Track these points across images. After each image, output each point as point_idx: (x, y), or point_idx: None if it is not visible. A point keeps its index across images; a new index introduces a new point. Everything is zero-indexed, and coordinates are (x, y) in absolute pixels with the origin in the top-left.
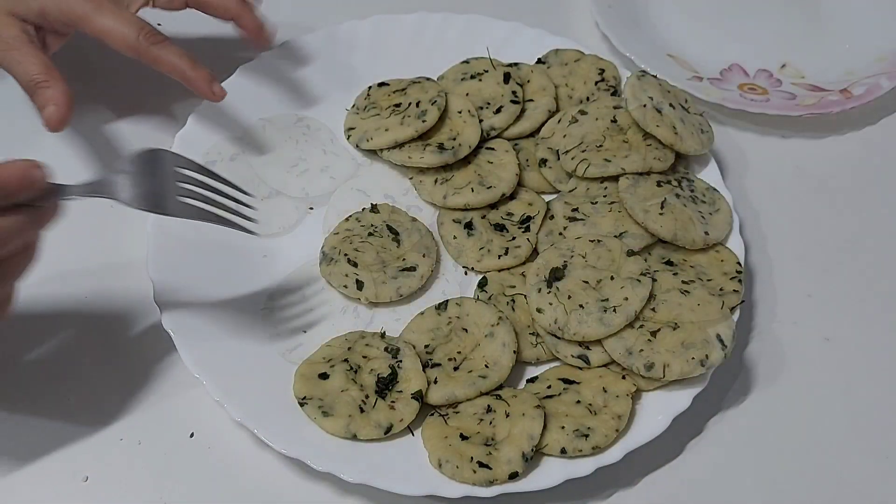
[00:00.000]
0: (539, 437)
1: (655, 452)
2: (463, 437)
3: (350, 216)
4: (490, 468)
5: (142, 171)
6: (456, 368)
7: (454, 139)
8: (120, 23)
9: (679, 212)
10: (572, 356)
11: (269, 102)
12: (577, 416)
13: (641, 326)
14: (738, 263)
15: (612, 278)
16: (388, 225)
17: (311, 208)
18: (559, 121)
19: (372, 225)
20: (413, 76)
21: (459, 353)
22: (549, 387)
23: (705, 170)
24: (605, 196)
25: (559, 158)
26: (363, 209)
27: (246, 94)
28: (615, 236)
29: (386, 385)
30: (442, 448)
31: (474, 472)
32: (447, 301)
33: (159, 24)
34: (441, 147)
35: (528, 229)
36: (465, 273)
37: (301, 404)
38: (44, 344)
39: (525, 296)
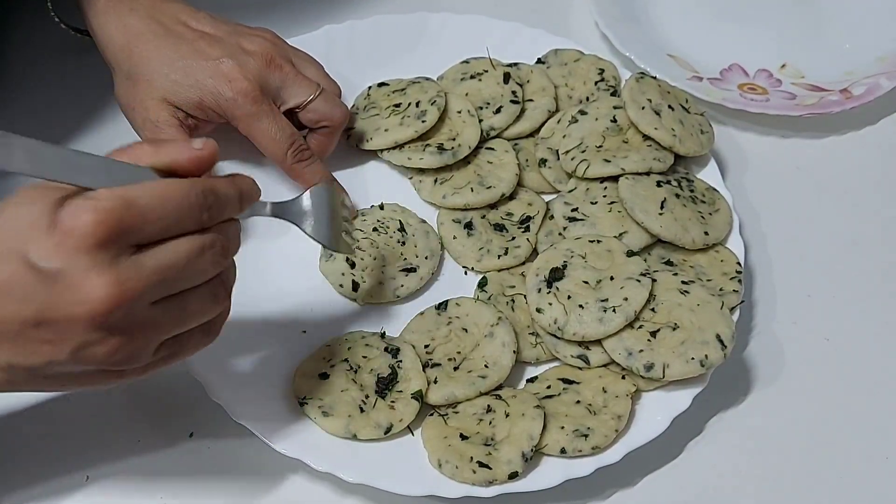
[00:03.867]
0: (539, 437)
1: (655, 452)
2: (463, 437)
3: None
4: (490, 468)
5: (319, 204)
6: (456, 368)
7: (454, 139)
8: (273, 133)
9: (679, 212)
10: (572, 356)
11: None
12: (576, 417)
13: (641, 327)
14: (738, 263)
15: (611, 278)
16: (399, 220)
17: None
18: (559, 121)
19: (378, 220)
20: (413, 76)
21: (459, 353)
22: (548, 387)
23: (705, 170)
24: (605, 196)
25: (559, 158)
26: (371, 206)
27: None
28: (615, 236)
29: (386, 385)
30: (442, 448)
31: (474, 472)
32: (447, 301)
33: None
34: (441, 148)
35: (527, 229)
36: (465, 273)
37: (301, 404)
38: None
39: (525, 296)
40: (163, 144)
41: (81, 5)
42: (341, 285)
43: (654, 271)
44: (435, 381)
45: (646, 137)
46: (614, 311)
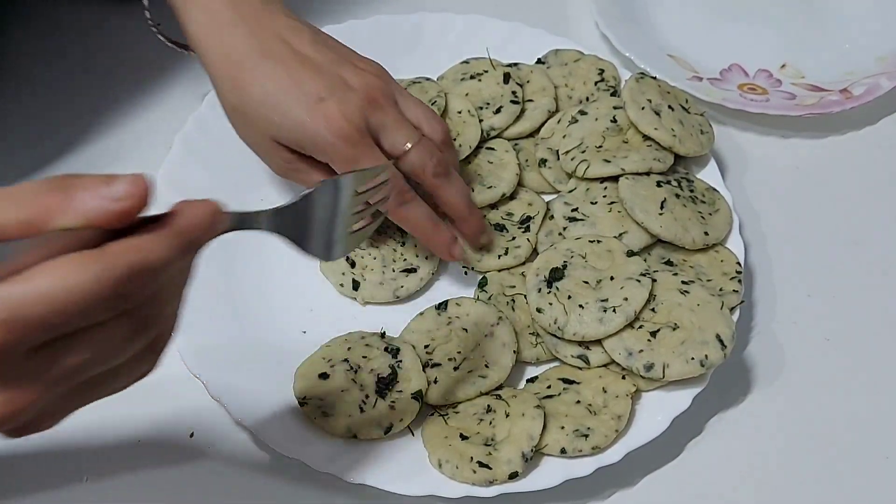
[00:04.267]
0: (539, 437)
1: (655, 452)
2: (463, 437)
3: None
4: (490, 468)
5: (312, 212)
6: (456, 368)
7: (454, 139)
8: None
9: (679, 212)
10: (572, 356)
11: None
12: (576, 416)
13: (641, 327)
14: (738, 263)
15: (611, 278)
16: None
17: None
18: (559, 121)
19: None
20: (413, 76)
21: (459, 353)
22: (548, 387)
23: (705, 170)
24: (605, 196)
25: (559, 158)
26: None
27: None
28: (615, 236)
29: (386, 385)
30: (442, 448)
31: (474, 472)
32: (447, 301)
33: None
34: None
35: (528, 229)
36: (465, 273)
37: (301, 404)
38: None
39: (525, 296)
40: (72, 196)
41: (181, 20)
42: (342, 284)
43: (654, 271)
44: (435, 381)
45: (646, 137)
46: (614, 311)
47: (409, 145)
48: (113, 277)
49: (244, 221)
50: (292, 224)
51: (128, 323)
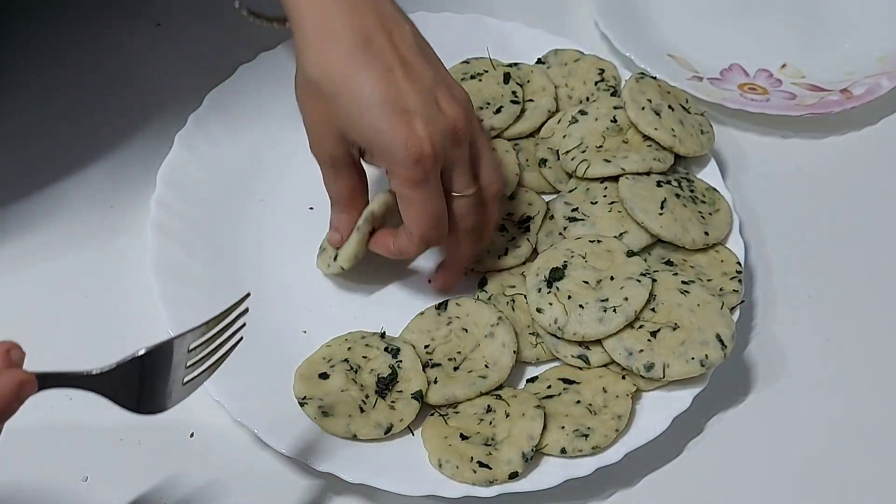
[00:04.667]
0: (539, 437)
1: (655, 452)
2: (463, 437)
3: None
4: (490, 468)
5: (140, 367)
6: (456, 368)
7: None
8: (429, 209)
9: (679, 212)
10: (572, 356)
11: (270, 102)
12: (577, 416)
13: (641, 327)
14: (738, 263)
15: (612, 278)
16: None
17: (312, 208)
18: (559, 121)
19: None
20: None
21: (459, 353)
22: (549, 387)
23: (705, 170)
24: (605, 196)
25: (559, 158)
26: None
27: (246, 94)
28: (615, 236)
29: (386, 385)
30: (442, 448)
31: (474, 472)
32: (447, 301)
33: (158, 25)
34: None
35: (528, 229)
36: (465, 273)
37: (301, 404)
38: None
39: (525, 296)
40: None
41: None
42: (329, 265)
43: (655, 271)
44: (435, 381)
45: (646, 137)
46: (614, 310)
47: (462, 192)
48: None
49: (61, 380)
50: (119, 384)
51: None
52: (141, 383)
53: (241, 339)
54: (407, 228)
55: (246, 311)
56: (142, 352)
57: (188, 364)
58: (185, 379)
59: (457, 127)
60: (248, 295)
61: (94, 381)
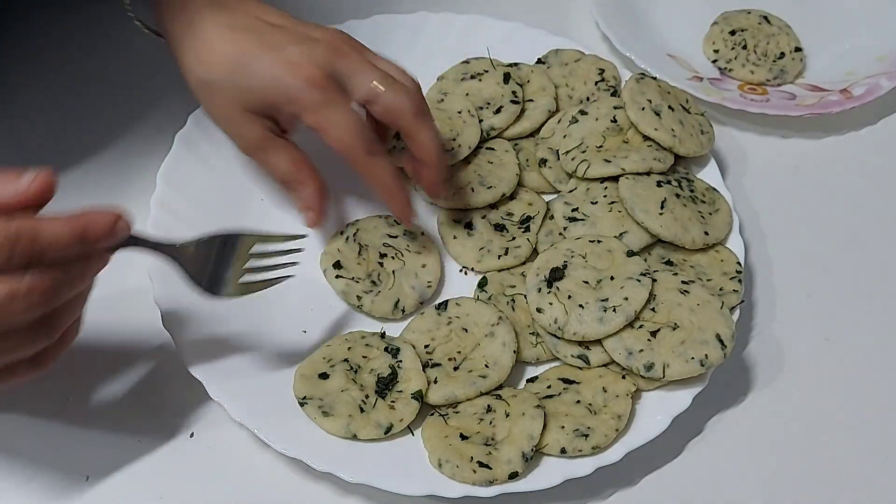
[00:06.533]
0: (539, 436)
1: (655, 452)
2: (463, 437)
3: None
4: (490, 468)
5: (210, 250)
6: (456, 368)
7: (454, 139)
8: (345, 123)
9: (679, 212)
10: (572, 356)
11: None
12: (576, 416)
13: (641, 326)
14: (738, 263)
15: (612, 278)
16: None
17: (242, 237)
18: (559, 121)
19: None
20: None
21: (459, 352)
22: (549, 387)
23: (705, 170)
24: (605, 196)
25: (559, 158)
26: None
27: None
28: (615, 236)
29: (386, 385)
30: (442, 448)
31: (474, 471)
32: (447, 301)
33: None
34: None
35: (528, 229)
36: (465, 273)
37: (301, 404)
38: None
39: (525, 296)
40: None
41: (154, 4)
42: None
43: (654, 271)
44: (435, 381)
45: (646, 137)
46: (614, 310)
47: (381, 87)
48: (6, 230)
49: (147, 243)
50: (193, 259)
51: (25, 297)
52: (208, 265)
53: (292, 276)
54: (343, 149)
55: (301, 250)
56: (215, 234)
57: (245, 267)
58: (240, 280)
59: (335, 44)
60: (305, 236)
61: (174, 250)
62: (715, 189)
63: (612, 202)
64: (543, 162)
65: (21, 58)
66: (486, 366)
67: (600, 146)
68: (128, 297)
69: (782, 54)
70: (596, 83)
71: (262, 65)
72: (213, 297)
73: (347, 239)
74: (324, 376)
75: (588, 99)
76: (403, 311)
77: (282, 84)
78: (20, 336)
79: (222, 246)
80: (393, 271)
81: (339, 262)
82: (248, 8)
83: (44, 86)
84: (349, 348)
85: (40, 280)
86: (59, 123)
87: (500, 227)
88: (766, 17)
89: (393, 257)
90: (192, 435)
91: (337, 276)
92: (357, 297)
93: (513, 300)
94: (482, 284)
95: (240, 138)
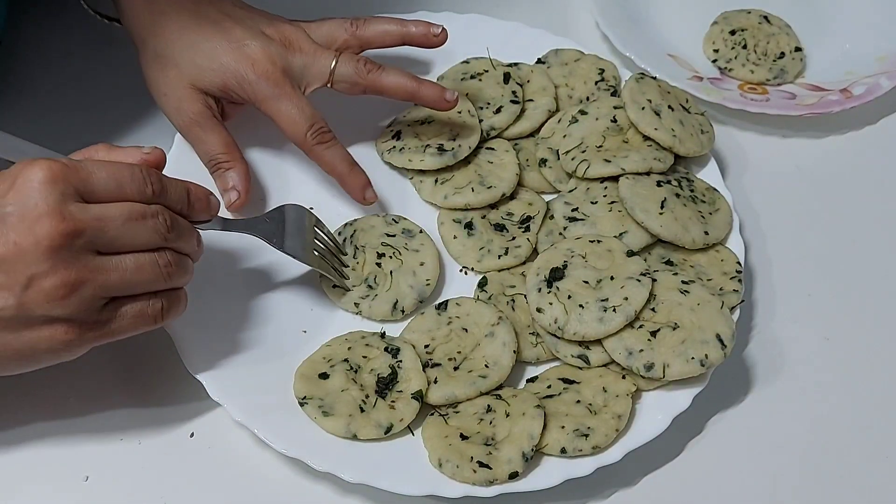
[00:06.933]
0: (539, 436)
1: (655, 452)
2: (463, 437)
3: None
4: (490, 468)
5: (285, 221)
6: (456, 368)
7: (454, 140)
8: (294, 115)
9: (679, 212)
10: (572, 356)
11: None
12: (577, 416)
13: (641, 326)
14: (738, 263)
15: (612, 278)
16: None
17: (311, 208)
18: (559, 121)
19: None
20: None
21: (459, 352)
22: (549, 387)
23: (705, 170)
24: (605, 196)
25: (559, 158)
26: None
27: None
28: (615, 236)
29: (386, 385)
30: (442, 448)
31: (474, 471)
32: (447, 301)
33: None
34: (441, 149)
35: (528, 229)
36: (465, 273)
37: (301, 404)
38: None
39: (525, 295)
40: (116, 148)
41: None
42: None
43: (655, 271)
44: (435, 381)
45: (646, 137)
46: (614, 310)
47: (332, 64)
48: (139, 168)
49: (223, 221)
50: (266, 227)
51: (153, 219)
52: (285, 232)
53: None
54: (296, 139)
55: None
56: (282, 206)
57: (316, 239)
58: (315, 251)
59: (287, 38)
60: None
61: (250, 227)
62: (715, 189)
63: (612, 202)
64: (543, 162)
65: (22, 58)
66: (486, 366)
67: (600, 146)
68: None
69: (782, 54)
70: (596, 83)
71: (221, 53)
72: (298, 259)
73: (345, 241)
74: (324, 376)
75: (588, 99)
76: (403, 311)
77: (240, 77)
78: (146, 263)
79: (292, 215)
80: (391, 271)
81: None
82: None
83: (44, 86)
84: (349, 348)
85: (165, 210)
86: (60, 123)
87: (500, 227)
88: (766, 17)
89: (391, 257)
90: (192, 435)
91: (334, 286)
92: (354, 304)
93: (513, 300)
94: (482, 284)
95: (180, 112)
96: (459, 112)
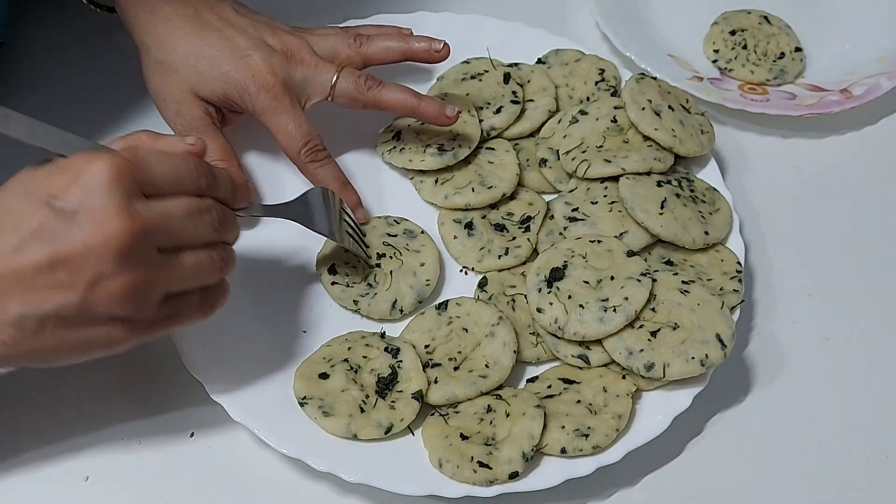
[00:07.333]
0: (539, 436)
1: (655, 452)
2: (463, 437)
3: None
4: (490, 468)
5: (312, 203)
6: (456, 368)
7: (454, 140)
8: (290, 129)
9: (679, 212)
10: (572, 356)
11: None
12: (577, 416)
13: (641, 326)
14: (738, 263)
15: (612, 278)
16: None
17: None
18: (559, 121)
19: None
20: (414, 74)
21: (460, 352)
22: (549, 386)
23: (705, 170)
24: (605, 196)
25: (559, 158)
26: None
27: None
28: (615, 236)
29: (386, 385)
30: (442, 448)
31: (474, 471)
32: (447, 301)
33: None
34: (441, 149)
35: (528, 229)
36: (465, 273)
37: (301, 404)
38: None
39: (525, 295)
40: (160, 136)
41: None
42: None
43: (655, 271)
44: (435, 381)
45: (646, 138)
46: (615, 310)
47: (334, 79)
48: (194, 160)
49: (260, 208)
50: (301, 212)
51: (208, 214)
52: (311, 212)
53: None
54: (290, 154)
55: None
56: (306, 190)
57: (342, 218)
58: (348, 230)
59: (289, 50)
60: (367, 222)
61: (284, 212)
62: (715, 189)
63: (613, 202)
64: (543, 162)
65: (25, 58)
66: (487, 366)
67: (600, 146)
68: None
69: (782, 54)
70: (596, 83)
71: (223, 62)
72: (331, 239)
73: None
74: (324, 376)
75: (588, 99)
76: (402, 311)
77: (241, 88)
78: (201, 259)
79: (320, 197)
80: (391, 271)
81: (333, 266)
82: (212, 5)
83: (46, 86)
84: (349, 348)
85: (216, 204)
86: (60, 124)
87: (500, 227)
88: (766, 17)
89: (391, 257)
90: (192, 435)
91: (333, 283)
92: (354, 301)
93: (513, 300)
94: (482, 284)
95: (180, 117)
96: (459, 112)
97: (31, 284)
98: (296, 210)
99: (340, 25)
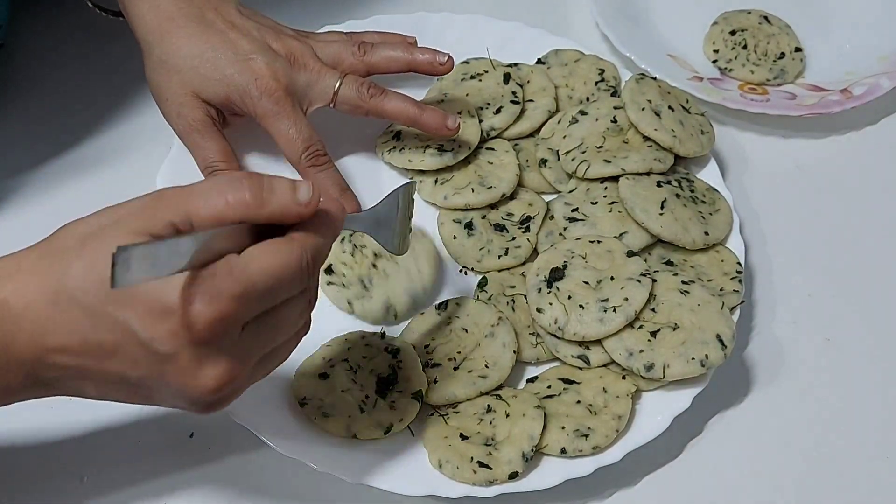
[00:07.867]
0: (539, 437)
1: (655, 452)
2: (463, 437)
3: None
4: (490, 468)
5: (391, 212)
6: (456, 368)
7: (454, 140)
8: (292, 135)
9: (679, 212)
10: (572, 356)
11: None
12: (577, 417)
13: (641, 327)
14: (738, 263)
15: (612, 278)
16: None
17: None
18: (559, 121)
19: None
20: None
21: (459, 353)
22: (549, 387)
23: (705, 170)
24: (605, 196)
25: (559, 159)
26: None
27: None
28: (615, 236)
29: (386, 385)
30: (442, 448)
31: (474, 472)
32: (447, 301)
33: None
34: (441, 149)
35: (528, 229)
36: (465, 273)
37: (301, 404)
38: None
39: (525, 296)
40: (269, 198)
41: None
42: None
43: (655, 271)
44: (435, 381)
45: (646, 138)
46: (614, 311)
47: (337, 85)
48: (305, 260)
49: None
50: (378, 224)
51: (304, 297)
52: (388, 223)
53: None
54: (290, 159)
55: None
56: (394, 190)
57: (409, 214)
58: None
59: (292, 55)
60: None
61: (364, 225)
62: (715, 189)
63: (612, 202)
64: (543, 162)
65: (24, 57)
66: (486, 366)
67: (600, 146)
68: None
69: (782, 54)
70: (596, 83)
71: (226, 65)
72: (399, 253)
73: (343, 239)
74: (324, 376)
75: (588, 99)
76: (395, 315)
77: (243, 91)
78: (298, 305)
79: (389, 205)
80: (386, 273)
81: (330, 266)
82: (216, 5)
83: (46, 86)
84: (349, 348)
85: (313, 288)
86: (62, 123)
87: (500, 227)
88: (766, 17)
89: (388, 259)
90: (192, 435)
91: (328, 283)
92: (348, 302)
93: (513, 300)
94: (482, 284)
95: (181, 117)
96: (459, 112)
97: (116, 384)
98: (366, 222)
99: (343, 30)
